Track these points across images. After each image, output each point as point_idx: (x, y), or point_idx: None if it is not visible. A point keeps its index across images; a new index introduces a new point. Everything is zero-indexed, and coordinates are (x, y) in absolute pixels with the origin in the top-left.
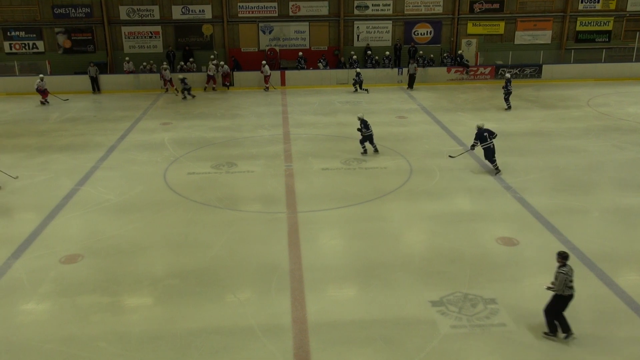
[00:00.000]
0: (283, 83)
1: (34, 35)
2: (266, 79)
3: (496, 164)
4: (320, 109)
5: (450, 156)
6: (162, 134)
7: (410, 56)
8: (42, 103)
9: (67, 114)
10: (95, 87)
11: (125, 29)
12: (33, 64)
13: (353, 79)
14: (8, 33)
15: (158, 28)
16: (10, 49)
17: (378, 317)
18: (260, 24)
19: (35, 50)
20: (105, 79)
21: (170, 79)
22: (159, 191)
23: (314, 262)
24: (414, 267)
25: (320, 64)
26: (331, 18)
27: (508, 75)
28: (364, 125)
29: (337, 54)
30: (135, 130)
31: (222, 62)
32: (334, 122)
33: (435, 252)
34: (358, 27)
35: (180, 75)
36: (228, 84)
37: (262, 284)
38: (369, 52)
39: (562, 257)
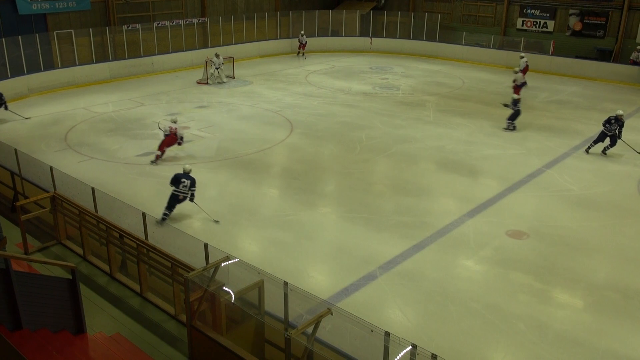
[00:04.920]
0: None
1: (548, 15)
2: (301, 46)
3: None
4: None
5: None
6: None
7: None
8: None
9: (555, 96)
10: None
11: None
12: (538, 42)
13: None
14: (524, 10)
15: None
16: (522, 25)
17: None
18: None
19: (544, 29)
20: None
21: None
22: (627, 196)
23: None
24: None
25: None
26: None
27: (620, 112)
28: None
29: None
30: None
31: None
32: None
33: None
34: None
35: None
36: None
37: None
38: None
39: None
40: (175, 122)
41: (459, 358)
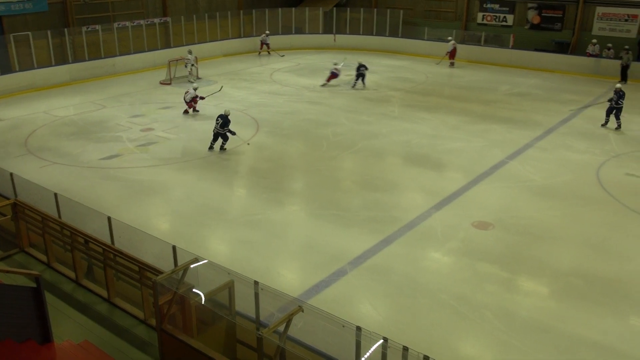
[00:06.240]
0: None
1: (507, 9)
2: (263, 45)
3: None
4: None
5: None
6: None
7: None
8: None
9: (516, 89)
10: (625, 76)
11: (600, 10)
12: (497, 35)
13: None
14: (484, 5)
15: (637, 11)
16: (482, 20)
17: None
18: None
19: (504, 23)
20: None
21: None
22: (587, 184)
23: None
24: None
25: None
26: None
27: (619, 85)
28: None
29: None
30: (580, 116)
31: None
32: None
33: None
34: None
35: None
36: None
37: None
38: None
39: None
40: (195, 89)
41: (430, 349)
